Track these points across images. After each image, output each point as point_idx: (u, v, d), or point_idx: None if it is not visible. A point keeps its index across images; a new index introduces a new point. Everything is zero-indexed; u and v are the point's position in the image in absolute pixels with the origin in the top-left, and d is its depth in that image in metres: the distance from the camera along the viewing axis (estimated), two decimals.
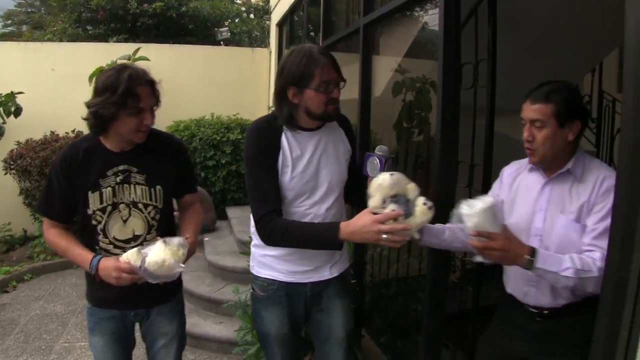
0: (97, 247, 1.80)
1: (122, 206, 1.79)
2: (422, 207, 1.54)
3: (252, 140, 1.77)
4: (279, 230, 1.67)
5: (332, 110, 1.75)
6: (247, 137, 1.79)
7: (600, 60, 4.00)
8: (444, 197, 1.98)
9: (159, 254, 1.61)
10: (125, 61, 5.57)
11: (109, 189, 1.78)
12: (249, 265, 2.99)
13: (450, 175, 2.06)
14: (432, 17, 2.83)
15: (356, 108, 3.01)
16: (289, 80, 1.70)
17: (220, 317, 3.86)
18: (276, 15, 7.32)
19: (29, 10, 15.71)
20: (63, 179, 1.76)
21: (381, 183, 1.55)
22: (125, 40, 8.32)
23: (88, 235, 1.81)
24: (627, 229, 1.09)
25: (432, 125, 2.90)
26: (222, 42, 9.86)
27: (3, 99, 5.84)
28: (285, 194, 1.78)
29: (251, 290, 1.98)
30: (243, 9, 12.16)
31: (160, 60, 5.87)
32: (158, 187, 1.84)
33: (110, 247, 1.80)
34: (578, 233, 1.54)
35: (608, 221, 1.37)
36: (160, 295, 1.92)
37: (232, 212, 5.81)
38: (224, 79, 7.14)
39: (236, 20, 11.53)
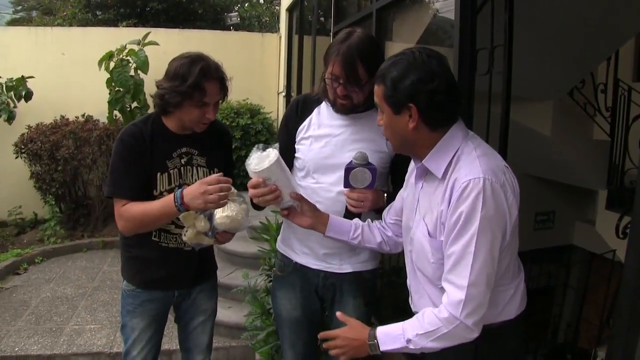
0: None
1: (185, 187, 1.81)
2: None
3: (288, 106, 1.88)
4: None
5: (341, 105, 1.69)
6: None
7: (616, 48, 3.93)
8: None
9: (226, 210, 1.69)
10: (134, 46, 5.59)
11: (176, 170, 1.83)
12: (258, 251, 3.01)
13: None
14: (446, 2, 2.78)
15: None
16: (325, 56, 1.67)
17: (229, 302, 3.87)
18: (286, 0, 7.25)
19: None
20: (130, 159, 1.76)
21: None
22: (135, 25, 8.33)
23: None
24: None
25: None
26: (231, 27, 9.82)
27: (14, 83, 5.86)
28: (304, 164, 1.77)
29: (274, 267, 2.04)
30: None
31: (169, 45, 5.80)
32: (216, 169, 1.90)
33: (172, 227, 1.85)
34: (430, 251, 1.28)
35: (462, 243, 1.15)
36: (203, 274, 2.04)
37: None
38: (233, 64, 6.91)
39: (245, 5, 11.47)
